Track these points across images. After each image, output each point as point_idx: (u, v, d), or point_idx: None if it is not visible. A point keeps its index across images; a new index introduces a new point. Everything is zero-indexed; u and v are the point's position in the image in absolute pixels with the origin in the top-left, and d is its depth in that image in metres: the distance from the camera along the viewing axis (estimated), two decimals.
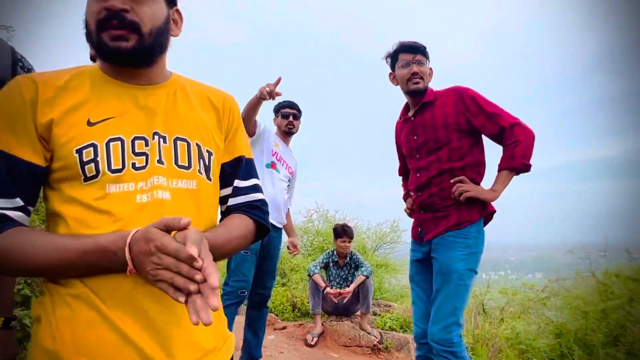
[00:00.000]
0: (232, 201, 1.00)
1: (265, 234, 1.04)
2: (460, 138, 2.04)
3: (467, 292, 2.03)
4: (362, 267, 3.94)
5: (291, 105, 2.95)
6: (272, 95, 2.34)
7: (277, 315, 4.48)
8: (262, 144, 2.76)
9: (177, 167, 0.88)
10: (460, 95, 2.06)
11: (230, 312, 2.55)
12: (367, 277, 3.83)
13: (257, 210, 1.01)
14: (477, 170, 2.07)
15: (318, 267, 3.98)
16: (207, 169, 0.93)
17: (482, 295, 5.02)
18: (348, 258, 4.09)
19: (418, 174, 2.13)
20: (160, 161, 0.86)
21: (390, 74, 2.22)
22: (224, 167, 1.00)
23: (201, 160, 0.92)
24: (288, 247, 3.11)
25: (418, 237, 2.17)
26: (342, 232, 4.03)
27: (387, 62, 2.23)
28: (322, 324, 3.92)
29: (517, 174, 1.99)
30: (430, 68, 2.16)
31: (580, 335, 3.77)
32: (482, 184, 2.09)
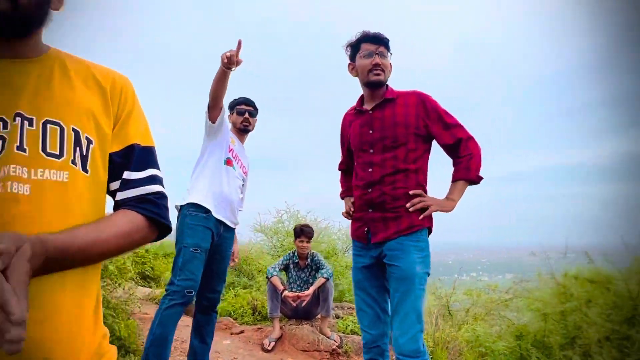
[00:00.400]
0: (120, 195, 0.87)
1: (165, 233, 0.91)
2: (417, 141, 2.01)
3: (424, 295, 1.97)
4: (322, 269, 3.83)
5: (247, 101, 2.83)
6: (231, 61, 2.21)
7: (236, 318, 4.32)
8: (222, 136, 2.62)
9: (44, 155, 0.74)
10: (422, 100, 2.03)
11: (175, 313, 2.38)
12: (327, 279, 3.73)
13: (149, 205, 0.87)
14: (424, 177, 2.05)
15: (277, 269, 3.86)
16: (84, 159, 0.79)
17: (448, 297, 5.00)
18: (309, 259, 3.97)
19: (370, 170, 2.02)
20: (21, 148, 0.73)
21: (349, 64, 2.14)
22: (113, 157, 0.86)
23: (77, 149, 0.78)
24: None
25: (364, 238, 2.06)
26: (300, 232, 3.92)
27: (347, 51, 2.14)
28: (281, 328, 3.80)
29: (470, 184, 2.02)
30: (390, 63, 2.09)
31: (539, 337, 3.76)
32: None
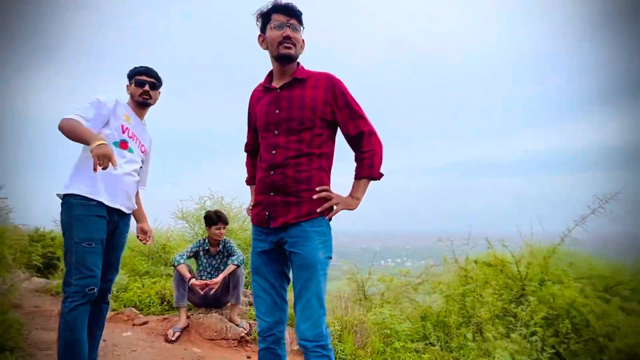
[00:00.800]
0: None
1: None
2: (322, 126, 1.95)
3: (327, 280, 1.95)
4: (234, 255, 3.73)
5: (148, 72, 2.59)
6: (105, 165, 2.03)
7: (141, 309, 4.08)
8: (111, 121, 2.38)
9: None
10: (333, 85, 1.97)
11: (79, 313, 2.14)
12: (238, 266, 3.63)
13: None
14: (328, 164, 2.02)
15: (185, 257, 3.68)
16: None
17: (364, 283, 5.14)
18: (221, 246, 3.85)
19: (274, 152, 1.93)
20: None
21: (259, 36, 2.01)
22: None
23: None
24: (137, 235, 2.76)
25: (264, 222, 1.99)
26: (217, 218, 3.78)
27: (257, 22, 2.01)
28: (188, 318, 3.64)
29: (371, 181, 2.01)
30: (303, 39, 2.00)
31: (441, 317, 4.00)
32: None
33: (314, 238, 1.87)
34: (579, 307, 3.50)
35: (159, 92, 2.66)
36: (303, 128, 1.91)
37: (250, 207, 2.17)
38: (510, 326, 3.50)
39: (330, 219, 1.97)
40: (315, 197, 1.90)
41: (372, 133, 1.99)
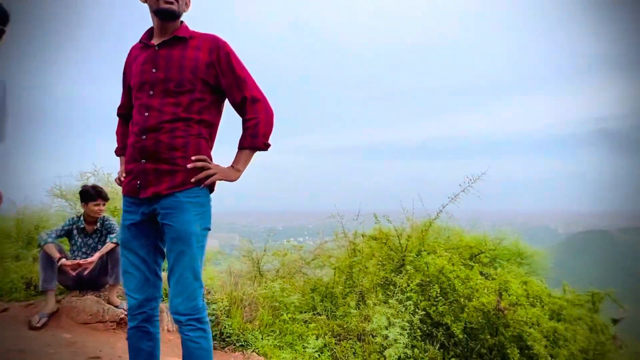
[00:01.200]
0: None
1: None
2: (204, 91, 1.83)
3: (204, 252, 1.87)
4: (113, 233, 3.46)
5: None
6: None
7: (2, 295, 3.60)
8: None
9: None
10: (218, 47, 1.84)
11: None
12: (118, 244, 3.38)
13: None
14: (210, 132, 1.90)
15: (53, 236, 3.31)
16: None
17: (259, 260, 5.17)
18: (99, 224, 3.53)
19: (147, 114, 1.78)
20: None
21: None
22: None
23: None
24: None
25: (135, 192, 1.85)
26: (97, 194, 3.45)
27: None
28: (59, 302, 3.31)
29: (255, 151, 1.91)
30: None
31: (329, 289, 4.21)
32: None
33: (190, 209, 1.78)
34: (447, 274, 3.92)
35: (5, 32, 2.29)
36: (181, 91, 1.78)
37: (120, 178, 2.01)
38: (389, 293, 3.81)
39: (209, 189, 1.87)
40: (189, 166, 1.79)
41: (257, 100, 1.88)
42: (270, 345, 3.26)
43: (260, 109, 1.88)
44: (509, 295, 3.66)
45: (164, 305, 3.51)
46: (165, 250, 1.91)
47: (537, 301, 3.83)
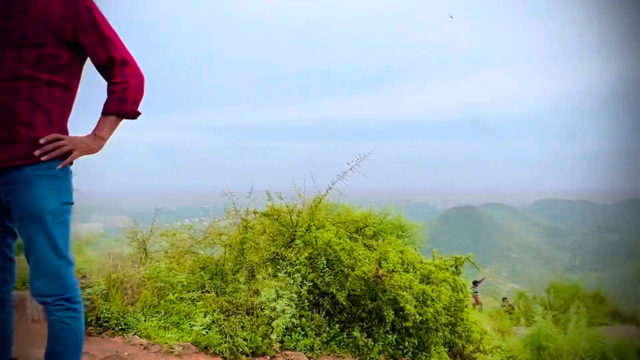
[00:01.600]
0: None
1: None
2: (59, 47, 1.58)
3: (68, 227, 1.66)
4: None
5: None
6: None
7: None
8: None
9: None
10: None
11: None
12: None
13: None
14: (65, 97, 1.66)
15: None
16: None
17: (145, 241, 4.88)
18: None
19: None
20: None
21: None
22: None
23: None
24: None
25: None
26: None
27: None
28: None
29: (122, 118, 1.74)
30: None
31: (220, 266, 4.17)
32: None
33: (40, 184, 1.56)
34: (334, 246, 4.15)
35: None
36: (27, 44, 1.54)
37: None
38: (279, 267, 3.91)
39: (64, 167, 1.63)
40: (42, 141, 1.55)
41: (126, 62, 1.70)
42: (154, 326, 3.14)
43: (130, 72, 1.71)
44: (387, 264, 4.03)
45: (26, 293, 3.14)
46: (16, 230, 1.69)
47: (410, 267, 4.28)
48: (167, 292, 3.53)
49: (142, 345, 2.90)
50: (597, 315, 10.37)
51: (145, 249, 4.84)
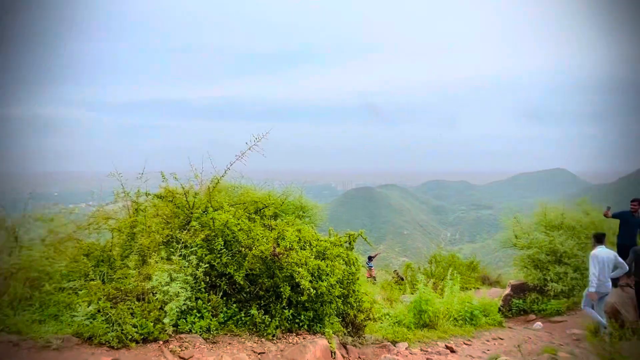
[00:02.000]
0: None
1: None
2: None
3: None
4: None
5: None
6: None
7: None
8: None
9: None
10: None
11: None
12: None
13: None
14: None
15: None
16: None
17: (15, 228, 4.32)
18: None
19: None
20: None
21: None
22: None
23: None
24: None
25: None
26: None
27: None
28: None
29: None
30: None
31: (106, 252, 3.89)
32: None
33: None
34: (231, 227, 4.13)
35: None
36: None
37: None
38: (172, 250, 3.79)
39: None
40: None
41: None
42: (27, 320, 2.84)
43: None
44: (285, 242, 4.14)
45: None
46: None
47: (307, 245, 4.45)
48: (43, 283, 3.21)
49: (11, 342, 2.61)
50: (469, 281, 11.94)
51: (16, 237, 4.30)
